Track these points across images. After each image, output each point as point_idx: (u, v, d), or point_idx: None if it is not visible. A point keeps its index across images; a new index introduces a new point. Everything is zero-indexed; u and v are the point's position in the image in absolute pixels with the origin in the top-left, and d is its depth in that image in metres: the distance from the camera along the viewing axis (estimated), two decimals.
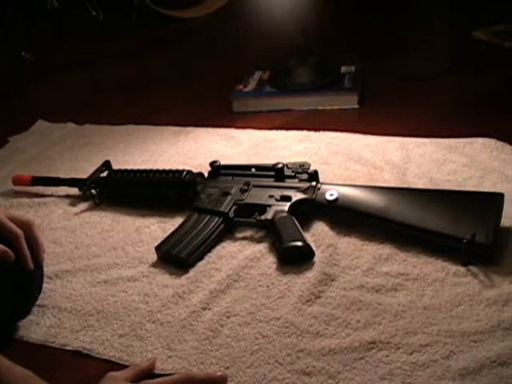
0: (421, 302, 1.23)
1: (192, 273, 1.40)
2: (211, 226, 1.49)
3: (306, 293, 1.27)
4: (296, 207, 1.50)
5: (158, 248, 1.46)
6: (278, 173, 1.58)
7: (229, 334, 1.21)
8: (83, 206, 1.72)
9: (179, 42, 3.14)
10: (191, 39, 3.14)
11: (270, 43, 2.71)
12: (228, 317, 1.25)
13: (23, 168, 1.99)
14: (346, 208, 1.47)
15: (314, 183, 1.54)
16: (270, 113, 2.21)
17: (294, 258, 1.38)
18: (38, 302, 1.35)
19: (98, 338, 1.25)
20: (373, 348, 1.13)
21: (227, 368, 1.13)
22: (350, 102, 2.15)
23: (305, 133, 1.97)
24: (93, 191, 1.71)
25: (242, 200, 1.55)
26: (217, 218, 1.51)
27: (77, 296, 1.38)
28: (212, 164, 1.65)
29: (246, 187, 1.57)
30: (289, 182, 1.56)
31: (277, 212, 1.47)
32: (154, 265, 1.44)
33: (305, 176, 1.57)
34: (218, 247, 1.47)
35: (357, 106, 2.15)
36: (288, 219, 1.45)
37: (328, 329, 1.19)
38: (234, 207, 1.53)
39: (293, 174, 1.58)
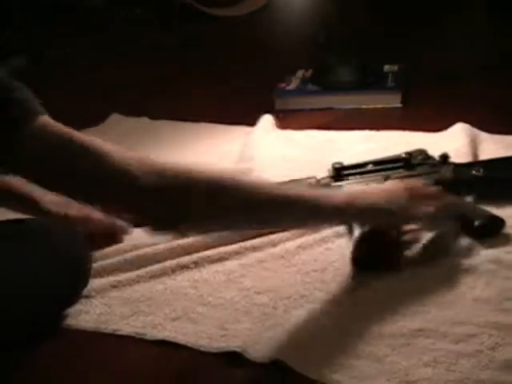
0: (471, 293, 1.23)
1: (244, 259, 1.42)
2: None
3: (360, 279, 1.30)
4: (452, 188, 1.46)
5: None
6: (406, 162, 1.56)
7: (282, 316, 1.22)
8: None
9: (220, 40, 3.15)
10: (232, 37, 3.16)
11: (311, 41, 2.72)
12: (281, 299, 1.27)
13: None
14: (492, 180, 1.50)
15: (449, 164, 1.54)
16: (312, 111, 2.23)
17: (490, 232, 1.39)
18: (85, 293, 1.36)
19: (149, 323, 1.27)
20: (420, 335, 1.14)
21: (279, 348, 1.14)
22: (393, 100, 2.18)
23: (365, 132, 1.97)
24: None
25: None
26: None
27: (124, 285, 1.39)
28: (335, 165, 1.59)
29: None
30: (423, 169, 1.55)
31: None
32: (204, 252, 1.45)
33: (434, 160, 1.56)
34: (272, 236, 1.47)
35: (400, 105, 2.16)
36: (463, 200, 1.44)
37: (379, 314, 1.20)
38: None
39: (420, 161, 1.56)
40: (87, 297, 1.35)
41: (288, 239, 1.46)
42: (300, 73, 2.44)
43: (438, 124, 1.91)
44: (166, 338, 1.22)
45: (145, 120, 2.33)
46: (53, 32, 3.38)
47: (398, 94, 2.18)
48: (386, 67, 2.36)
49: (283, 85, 2.36)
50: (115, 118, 2.37)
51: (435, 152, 1.59)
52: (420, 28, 2.83)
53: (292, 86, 2.35)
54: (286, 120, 2.16)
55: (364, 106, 2.20)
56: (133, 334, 1.25)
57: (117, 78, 2.77)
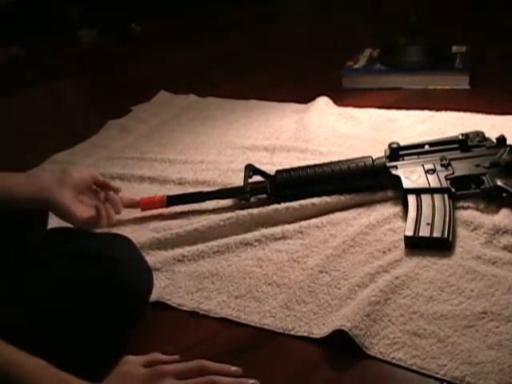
0: None
1: (307, 239, 1.43)
2: (447, 203, 1.43)
3: (424, 259, 1.30)
4: (508, 170, 1.47)
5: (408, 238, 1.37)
6: (462, 144, 1.55)
7: (346, 294, 1.23)
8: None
9: (287, 18, 3.15)
10: (299, 15, 3.16)
11: (381, 21, 2.71)
12: (345, 279, 1.28)
13: (144, 138, 2.05)
14: None
15: (506, 146, 1.52)
16: (379, 90, 2.22)
17: None
18: (151, 264, 1.32)
19: (214, 300, 1.29)
20: (483, 318, 1.14)
21: (342, 324, 1.13)
22: (460, 82, 2.15)
23: (426, 113, 1.96)
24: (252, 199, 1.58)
25: (452, 174, 1.49)
26: (442, 195, 1.45)
27: (190, 260, 1.41)
28: (391, 146, 1.58)
29: (445, 162, 1.52)
30: (480, 151, 1.54)
31: (495, 178, 1.45)
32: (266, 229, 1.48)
33: (491, 143, 1.55)
34: (332, 216, 1.48)
35: (468, 87, 2.14)
36: None
37: (442, 294, 1.20)
38: (447, 182, 1.48)
39: (477, 143, 1.55)
40: (154, 269, 1.35)
41: (349, 220, 1.47)
42: (368, 52, 2.43)
43: (505, 108, 1.88)
44: (229, 317, 1.25)
45: (193, 97, 2.35)
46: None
47: (466, 75, 2.15)
48: (455, 48, 2.33)
49: (351, 63, 2.35)
50: (163, 95, 2.40)
51: (495, 135, 1.57)
52: (491, 9, 2.79)
53: (359, 65, 2.34)
54: (350, 98, 2.15)
55: (431, 87, 2.18)
56: (197, 310, 1.28)
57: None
